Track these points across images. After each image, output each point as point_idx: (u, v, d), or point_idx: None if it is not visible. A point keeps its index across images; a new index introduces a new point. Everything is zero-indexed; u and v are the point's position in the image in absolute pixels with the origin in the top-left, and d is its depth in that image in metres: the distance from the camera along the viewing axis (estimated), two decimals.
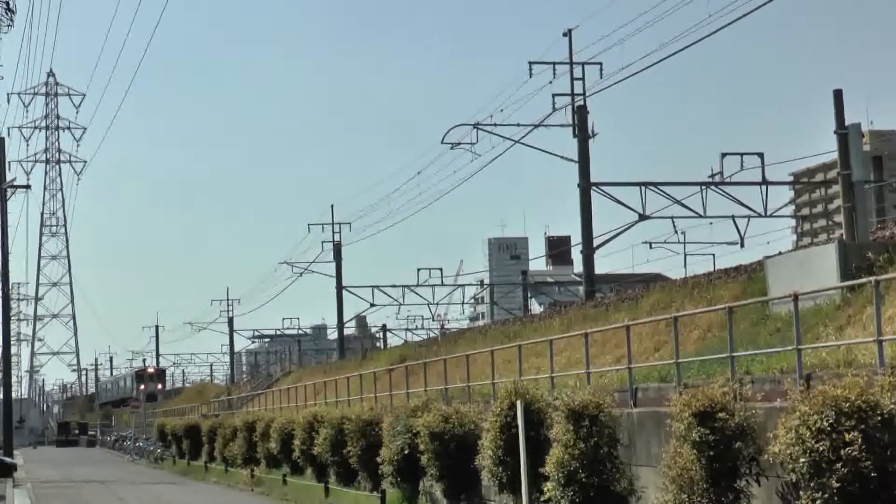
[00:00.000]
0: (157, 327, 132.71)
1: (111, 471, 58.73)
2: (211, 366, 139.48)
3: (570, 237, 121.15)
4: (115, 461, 73.95)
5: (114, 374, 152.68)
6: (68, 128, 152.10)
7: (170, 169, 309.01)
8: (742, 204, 45.62)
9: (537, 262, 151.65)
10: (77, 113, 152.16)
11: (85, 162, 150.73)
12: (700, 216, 45.18)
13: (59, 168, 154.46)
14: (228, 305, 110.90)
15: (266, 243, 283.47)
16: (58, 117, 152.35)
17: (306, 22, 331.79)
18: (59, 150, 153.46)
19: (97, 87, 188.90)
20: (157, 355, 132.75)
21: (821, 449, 12.84)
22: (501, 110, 48.27)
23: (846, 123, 25.50)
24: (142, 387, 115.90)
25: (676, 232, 49.67)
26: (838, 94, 25.86)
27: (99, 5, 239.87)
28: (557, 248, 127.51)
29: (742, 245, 47.14)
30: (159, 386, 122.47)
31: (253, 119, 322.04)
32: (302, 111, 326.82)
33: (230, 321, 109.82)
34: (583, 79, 44.40)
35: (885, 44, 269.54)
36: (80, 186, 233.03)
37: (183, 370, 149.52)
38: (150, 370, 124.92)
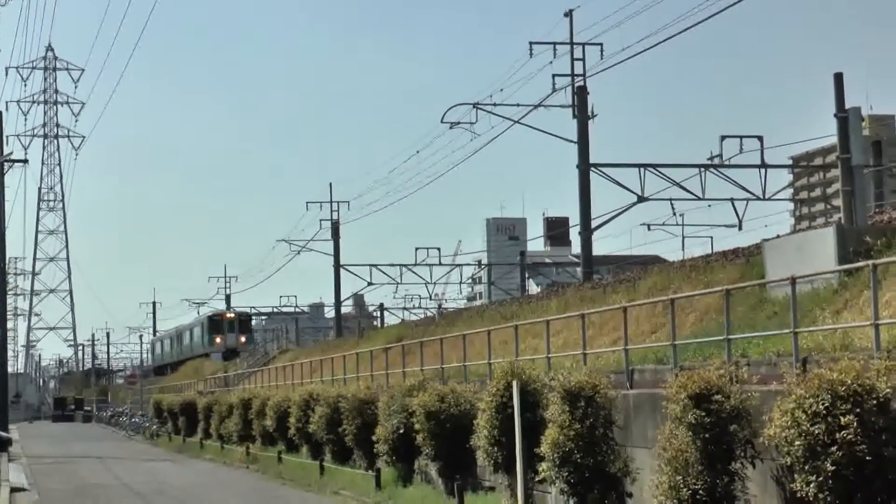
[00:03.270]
0: (154, 303, 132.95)
1: (107, 447, 58.84)
2: None
3: (568, 218, 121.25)
4: (111, 437, 74.08)
5: (175, 325, 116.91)
6: (67, 102, 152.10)
7: (169, 145, 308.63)
8: (741, 187, 45.65)
9: (535, 242, 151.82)
10: (76, 88, 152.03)
11: (83, 137, 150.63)
12: (699, 198, 45.17)
13: (58, 143, 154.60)
14: (226, 283, 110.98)
15: (264, 221, 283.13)
16: (56, 92, 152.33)
17: (307, 2, 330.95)
18: (58, 125, 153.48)
19: (96, 62, 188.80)
20: (154, 332, 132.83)
21: (816, 432, 12.84)
22: (501, 90, 48.63)
23: (846, 107, 25.47)
24: (218, 340, 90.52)
25: (675, 214, 49.68)
26: (839, 78, 25.82)
27: None
28: (556, 230, 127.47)
29: (740, 228, 47.22)
30: (242, 339, 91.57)
31: (253, 97, 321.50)
32: (302, 89, 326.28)
33: (227, 298, 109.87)
34: (583, 59, 44.39)
35: (885, 28, 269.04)
36: (78, 161, 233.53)
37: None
38: (229, 315, 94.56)
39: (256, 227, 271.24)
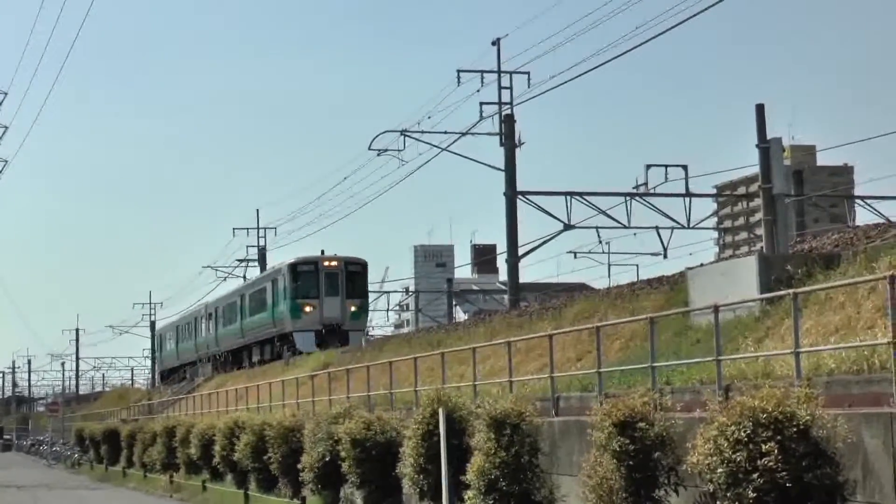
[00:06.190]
0: (77, 330, 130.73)
1: (30, 475, 57.89)
2: (132, 370, 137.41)
3: (496, 245, 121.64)
4: (33, 466, 72.90)
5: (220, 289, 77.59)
6: None
7: (93, 169, 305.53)
8: (666, 215, 45.98)
9: (463, 269, 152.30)
10: None
11: (6, 161, 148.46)
12: (624, 227, 45.47)
13: None
14: (151, 309, 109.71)
15: (190, 247, 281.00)
16: None
17: (235, 24, 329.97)
18: None
19: (20, 86, 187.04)
20: (77, 359, 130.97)
21: (738, 459, 12.95)
22: (429, 117, 48.41)
23: (768, 138, 25.81)
24: (308, 308, 53.45)
25: (601, 242, 50.08)
26: (760, 109, 26.16)
27: (23, 1, 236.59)
28: (483, 257, 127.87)
29: (665, 256, 47.51)
30: (352, 307, 54.67)
31: (178, 121, 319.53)
32: (229, 114, 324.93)
33: (152, 325, 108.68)
34: (510, 88, 44.68)
35: (808, 60, 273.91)
36: (1, 185, 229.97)
37: (103, 374, 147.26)
38: (330, 263, 54.39)
39: (183, 254, 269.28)
